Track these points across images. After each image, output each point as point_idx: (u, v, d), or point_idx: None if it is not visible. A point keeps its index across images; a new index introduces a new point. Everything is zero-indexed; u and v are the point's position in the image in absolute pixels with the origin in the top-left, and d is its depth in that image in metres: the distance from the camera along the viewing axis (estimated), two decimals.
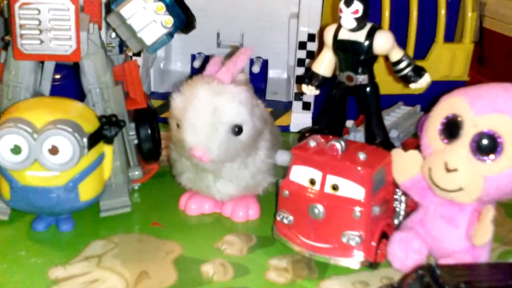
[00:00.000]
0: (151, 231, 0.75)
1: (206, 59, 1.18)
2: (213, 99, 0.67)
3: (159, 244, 0.72)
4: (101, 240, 0.72)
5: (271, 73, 1.17)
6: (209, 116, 0.67)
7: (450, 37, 1.03)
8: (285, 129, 1.04)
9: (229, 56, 0.74)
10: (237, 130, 0.69)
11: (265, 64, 1.17)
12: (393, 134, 0.75)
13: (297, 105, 1.04)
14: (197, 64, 1.16)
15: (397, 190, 0.72)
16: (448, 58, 1.01)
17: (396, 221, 0.72)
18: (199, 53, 1.19)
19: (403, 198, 0.74)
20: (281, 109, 1.09)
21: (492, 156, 0.59)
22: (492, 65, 1.50)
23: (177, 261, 0.69)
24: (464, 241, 0.63)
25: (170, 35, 0.72)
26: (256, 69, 1.15)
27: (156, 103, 1.09)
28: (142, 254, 0.70)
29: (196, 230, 0.76)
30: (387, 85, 0.91)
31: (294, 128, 1.04)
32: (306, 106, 1.04)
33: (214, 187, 0.74)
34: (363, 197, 0.64)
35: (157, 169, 0.85)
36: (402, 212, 0.73)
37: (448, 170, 0.60)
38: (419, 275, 0.56)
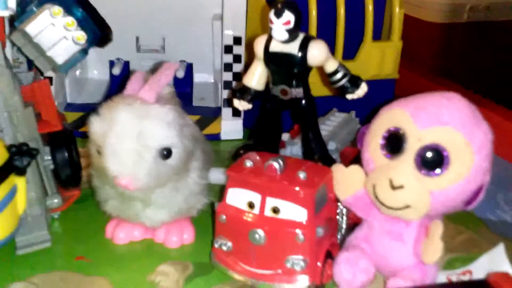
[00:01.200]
0: (75, 267, 0.68)
1: (126, 65, 1.11)
2: (137, 122, 0.61)
3: (85, 282, 0.65)
4: (20, 282, 0.65)
5: (197, 78, 1.11)
6: (134, 142, 0.61)
7: (377, 35, 1.01)
8: (215, 137, 0.99)
9: (152, 70, 0.67)
10: (166, 153, 0.63)
11: (189, 68, 1.11)
12: (331, 146, 0.72)
13: (227, 112, 0.99)
14: (116, 71, 1.09)
15: (339, 203, 0.68)
16: (378, 57, 0.99)
17: (338, 236, 0.69)
18: (118, 59, 1.11)
19: (344, 211, 0.71)
20: (209, 116, 1.03)
21: (438, 170, 0.56)
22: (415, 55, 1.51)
23: None
24: (412, 257, 0.61)
25: (84, 51, 0.65)
26: (180, 73, 1.09)
27: (73, 115, 1.01)
28: None
29: (126, 262, 0.69)
30: (318, 87, 0.88)
31: (225, 136, 0.99)
32: (236, 112, 0.99)
33: (143, 214, 0.68)
34: (305, 219, 0.60)
35: (78, 195, 0.77)
36: (344, 225, 0.70)
37: (394, 188, 0.57)
38: None
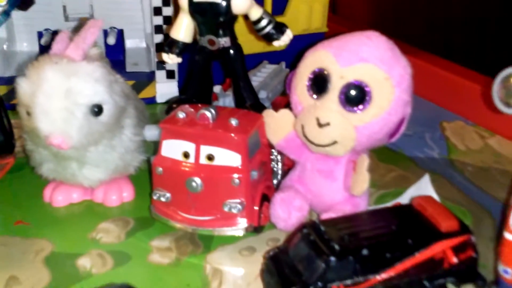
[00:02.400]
0: (15, 231, 0.67)
1: (55, 35, 1.09)
2: (65, 80, 0.61)
3: (26, 245, 0.65)
4: None
5: (129, 43, 1.10)
6: (63, 100, 0.60)
7: None
8: (151, 101, 0.99)
9: (77, 30, 0.67)
10: (97, 110, 0.63)
11: (120, 35, 1.10)
12: (262, 95, 0.73)
13: (160, 75, 0.99)
14: (44, 41, 1.06)
15: (273, 150, 0.71)
16: (306, 11, 1.00)
17: (275, 181, 0.71)
18: (46, 30, 1.08)
19: (279, 157, 0.73)
20: (144, 80, 1.03)
21: (361, 106, 0.59)
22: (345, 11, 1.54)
23: (49, 259, 0.63)
24: (343, 192, 0.64)
25: (5, 13, 0.64)
26: (111, 40, 1.07)
27: (3, 89, 0.98)
28: (8, 258, 0.63)
29: (66, 223, 0.70)
30: (250, 45, 0.89)
31: (160, 99, 0.99)
32: (170, 74, 0.99)
33: (80, 174, 0.68)
34: (240, 164, 0.62)
35: (13, 162, 0.76)
36: (280, 172, 0.72)
37: (321, 125, 0.59)
38: (304, 234, 0.55)
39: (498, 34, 1.14)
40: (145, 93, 1.00)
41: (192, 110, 0.65)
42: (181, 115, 0.64)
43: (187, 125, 0.63)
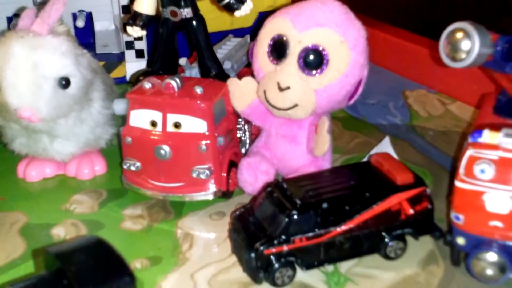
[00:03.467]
0: None
1: None
2: (31, 53, 0.62)
3: (1, 217, 0.67)
4: None
5: (98, 26, 1.11)
6: (30, 73, 0.62)
7: None
8: (122, 80, 1.00)
9: (41, 5, 0.68)
10: (64, 83, 0.64)
11: (89, 17, 1.11)
12: (227, 65, 0.75)
13: (130, 54, 1.01)
14: (13, 25, 1.06)
15: (240, 119, 0.73)
16: None
17: (243, 150, 0.74)
18: (15, 15, 1.09)
19: (246, 127, 0.75)
20: (114, 61, 1.04)
21: (319, 70, 0.61)
22: None
23: (24, 230, 0.65)
24: (307, 155, 0.66)
25: None
26: (80, 23, 1.08)
27: None
28: None
29: (40, 196, 0.71)
30: (216, 22, 0.91)
31: (130, 78, 1.00)
32: (139, 54, 1.00)
33: (51, 148, 0.70)
34: (206, 130, 0.64)
35: None
36: (248, 141, 0.75)
37: (281, 89, 0.62)
38: (268, 192, 0.58)
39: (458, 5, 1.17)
40: (116, 73, 1.01)
41: (158, 80, 0.67)
42: (147, 85, 0.66)
43: (153, 95, 0.65)
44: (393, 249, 0.57)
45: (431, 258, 0.59)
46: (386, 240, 0.57)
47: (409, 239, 0.59)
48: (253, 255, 0.54)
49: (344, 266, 0.58)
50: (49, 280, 0.40)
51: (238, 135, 0.74)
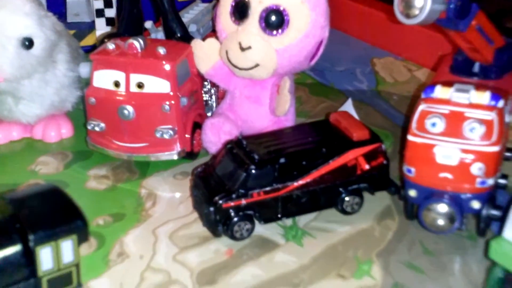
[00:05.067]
0: None
1: None
2: None
3: None
4: None
5: None
6: None
7: None
8: (92, 48, 1.00)
9: None
10: (28, 43, 0.65)
11: None
12: (192, 28, 0.76)
13: (100, 22, 1.00)
14: None
15: (206, 82, 0.73)
16: None
17: (209, 114, 0.74)
18: None
19: (213, 90, 0.76)
20: (85, 29, 1.04)
21: (280, 30, 0.62)
22: None
23: None
24: (270, 116, 0.67)
25: None
26: None
27: None
28: None
29: (6, 158, 0.72)
30: None
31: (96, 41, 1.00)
32: (109, 22, 1.00)
33: (16, 110, 0.70)
34: (169, 90, 0.65)
35: None
36: (214, 104, 0.76)
37: (243, 49, 0.62)
38: (228, 149, 0.59)
39: None
40: (86, 41, 1.01)
41: (121, 41, 0.67)
42: (111, 46, 0.66)
43: (117, 55, 0.65)
44: (350, 204, 0.59)
45: (387, 212, 0.60)
46: (343, 195, 0.59)
47: (367, 195, 0.60)
48: (212, 209, 0.55)
49: (303, 220, 0.60)
50: (2, 223, 0.40)
51: (205, 98, 0.74)
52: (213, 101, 0.76)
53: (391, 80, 0.90)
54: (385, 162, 0.59)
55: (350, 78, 0.91)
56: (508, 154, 0.63)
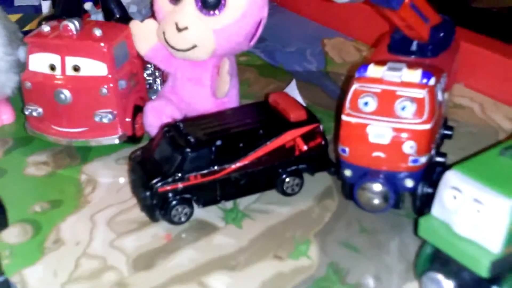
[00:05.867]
0: None
1: None
2: None
3: None
4: None
5: None
6: None
7: None
8: None
9: None
10: None
11: None
12: (132, 9, 0.74)
13: (46, 5, 0.98)
14: None
15: (149, 65, 0.72)
16: None
17: (154, 97, 0.73)
18: None
19: (157, 73, 0.75)
20: (31, 13, 1.01)
21: (217, 10, 0.61)
22: None
23: None
24: (213, 98, 0.67)
25: None
26: None
27: None
28: None
29: None
30: None
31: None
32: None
33: None
34: (106, 73, 0.63)
35: None
36: (160, 88, 0.74)
37: (179, 30, 0.61)
38: (165, 132, 0.58)
39: None
40: (33, 25, 0.99)
41: (56, 23, 0.65)
42: (46, 29, 0.64)
43: (51, 38, 0.64)
44: (290, 185, 0.59)
45: (327, 193, 0.61)
46: (282, 176, 0.58)
47: (310, 176, 0.60)
48: (148, 193, 0.55)
49: (244, 203, 0.59)
50: None
51: (149, 81, 0.73)
52: (157, 84, 0.75)
53: (340, 60, 0.89)
54: (323, 142, 0.59)
55: (300, 59, 0.90)
56: (447, 132, 0.64)
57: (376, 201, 0.53)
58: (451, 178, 0.43)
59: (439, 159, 0.57)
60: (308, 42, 0.95)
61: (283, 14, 1.06)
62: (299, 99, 0.71)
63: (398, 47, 0.62)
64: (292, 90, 0.72)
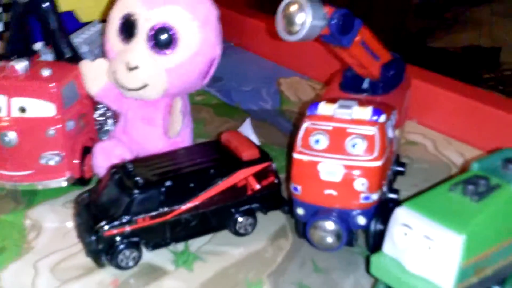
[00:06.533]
0: None
1: None
2: None
3: None
4: None
5: None
6: None
7: None
8: None
9: None
10: None
11: None
12: (84, 49, 0.73)
13: None
14: None
15: (101, 105, 0.71)
16: None
17: (105, 138, 0.72)
18: None
19: (109, 113, 0.73)
20: None
21: (169, 49, 0.60)
22: None
23: None
24: (165, 138, 0.65)
25: None
26: None
27: None
28: None
29: None
30: (88, 12, 0.88)
31: None
32: None
33: None
34: (54, 114, 0.62)
35: None
36: (112, 128, 0.73)
37: (130, 69, 0.60)
38: (112, 173, 0.56)
39: None
40: None
41: (3, 63, 0.64)
42: None
43: None
44: (243, 225, 0.57)
45: (281, 232, 0.59)
46: (235, 216, 0.57)
47: (262, 216, 0.59)
48: (93, 237, 0.52)
49: (195, 244, 0.58)
50: None
51: (100, 121, 0.72)
52: (109, 125, 0.74)
53: (296, 99, 0.90)
54: (276, 181, 0.58)
55: (256, 98, 0.90)
56: (399, 168, 0.64)
57: (329, 240, 0.52)
58: (401, 214, 0.43)
59: (391, 195, 0.57)
60: (264, 81, 0.95)
61: (240, 54, 1.06)
62: (253, 138, 0.71)
63: (349, 85, 0.62)
64: (247, 129, 0.72)
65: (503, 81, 1.33)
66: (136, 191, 0.53)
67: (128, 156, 0.66)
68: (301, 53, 0.96)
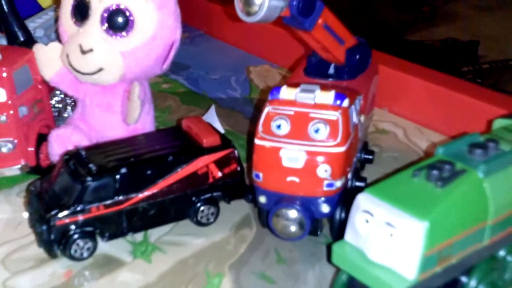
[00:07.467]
0: None
1: None
2: None
3: None
4: None
5: None
6: None
7: None
8: None
9: None
10: None
11: None
12: (39, 33, 0.70)
13: None
14: None
15: (59, 92, 0.68)
16: None
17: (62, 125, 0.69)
18: None
19: (68, 100, 0.71)
20: None
21: (124, 31, 0.58)
22: None
23: None
24: (124, 125, 0.63)
25: None
26: None
27: None
28: None
29: None
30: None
31: None
32: None
33: None
34: (5, 99, 0.59)
35: None
36: (71, 115, 0.70)
37: (84, 52, 0.57)
38: (65, 161, 0.53)
39: None
40: None
41: None
42: None
43: None
44: (205, 214, 0.55)
45: (245, 222, 0.57)
46: (197, 205, 0.55)
47: (226, 205, 0.57)
48: (45, 227, 0.50)
49: (155, 235, 0.55)
50: None
51: (58, 108, 0.69)
52: (68, 111, 0.71)
53: (265, 86, 0.88)
54: (239, 168, 0.56)
55: (224, 86, 0.88)
56: (367, 156, 0.62)
57: (292, 228, 0.50)
58: (362, 201, 0.41)
59: (358, 183, 0.55)
60: (233, 69, 0.93)
61: (209, 42, 1.03)
62: (218, 125, 0.69)
63: (314, 70, 0.60)
64: (211, 116, 0.70)
65: (482, 74, 1.33)
66: (89, 178, 0.51)
67: (86, 144, 0.63)
68: (271, 41, 0.94)
